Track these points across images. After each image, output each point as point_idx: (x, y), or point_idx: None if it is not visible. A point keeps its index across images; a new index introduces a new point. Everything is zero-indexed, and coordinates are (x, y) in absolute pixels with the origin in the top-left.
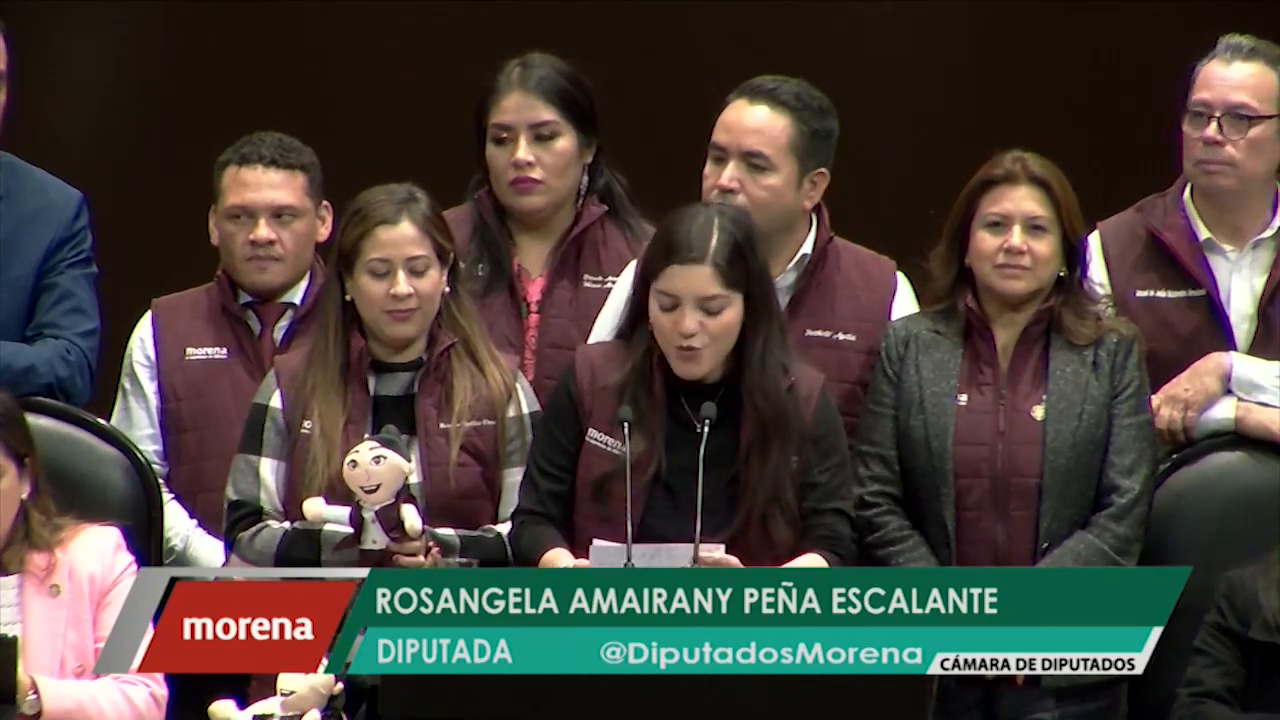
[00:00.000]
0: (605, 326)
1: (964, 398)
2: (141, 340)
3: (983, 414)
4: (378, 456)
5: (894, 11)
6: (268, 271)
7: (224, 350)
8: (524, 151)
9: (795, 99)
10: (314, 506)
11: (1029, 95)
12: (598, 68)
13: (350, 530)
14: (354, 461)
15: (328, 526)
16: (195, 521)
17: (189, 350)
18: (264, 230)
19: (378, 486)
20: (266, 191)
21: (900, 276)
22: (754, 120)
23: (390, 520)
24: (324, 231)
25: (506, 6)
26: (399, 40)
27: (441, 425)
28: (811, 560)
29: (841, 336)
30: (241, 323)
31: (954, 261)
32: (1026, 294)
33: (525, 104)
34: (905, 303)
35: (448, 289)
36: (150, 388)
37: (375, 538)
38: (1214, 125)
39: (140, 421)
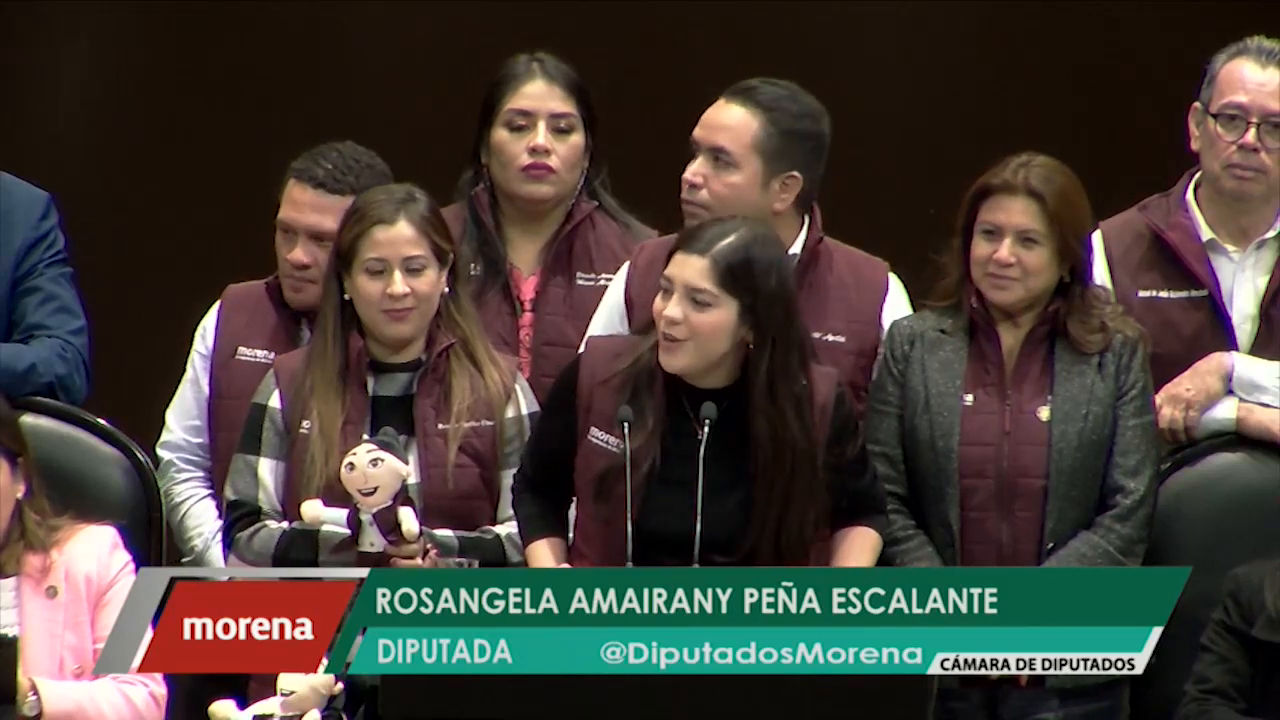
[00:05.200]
0: (599, 326)
1: (969, 398)
2: (205, 330)
3: (988, 414)
4: (375, 459)
5: (894, 11)
6: (302, 292)
7: (271, 355)
8: (543, 138)
9: (772, 100)
10: (311, 508)
11: (1029, 94)
12: (594, 69)
13: (348, 532)
14: (351, 464)
15: (325, 528)
16: (219, 526)
17: (240, 349)
18: (299, 253)
19: (375, 489)
20: (310, 215)
21: (893, 278)
22: (724, 118)
23: (388, 523)
24: None
25: (502, 8)
26: (393, 41)
27: (440, 426)
28: (862, 536)
29: (831, 338)
30: (294, 330)
31: (962, 260)
32: (1017, 304)
33: (548, 93)
34: (896, 304)
35: (447, 290)
36: (204, 379)
37: (373, 540)
38: (1253, 132)
39: (189, 410)
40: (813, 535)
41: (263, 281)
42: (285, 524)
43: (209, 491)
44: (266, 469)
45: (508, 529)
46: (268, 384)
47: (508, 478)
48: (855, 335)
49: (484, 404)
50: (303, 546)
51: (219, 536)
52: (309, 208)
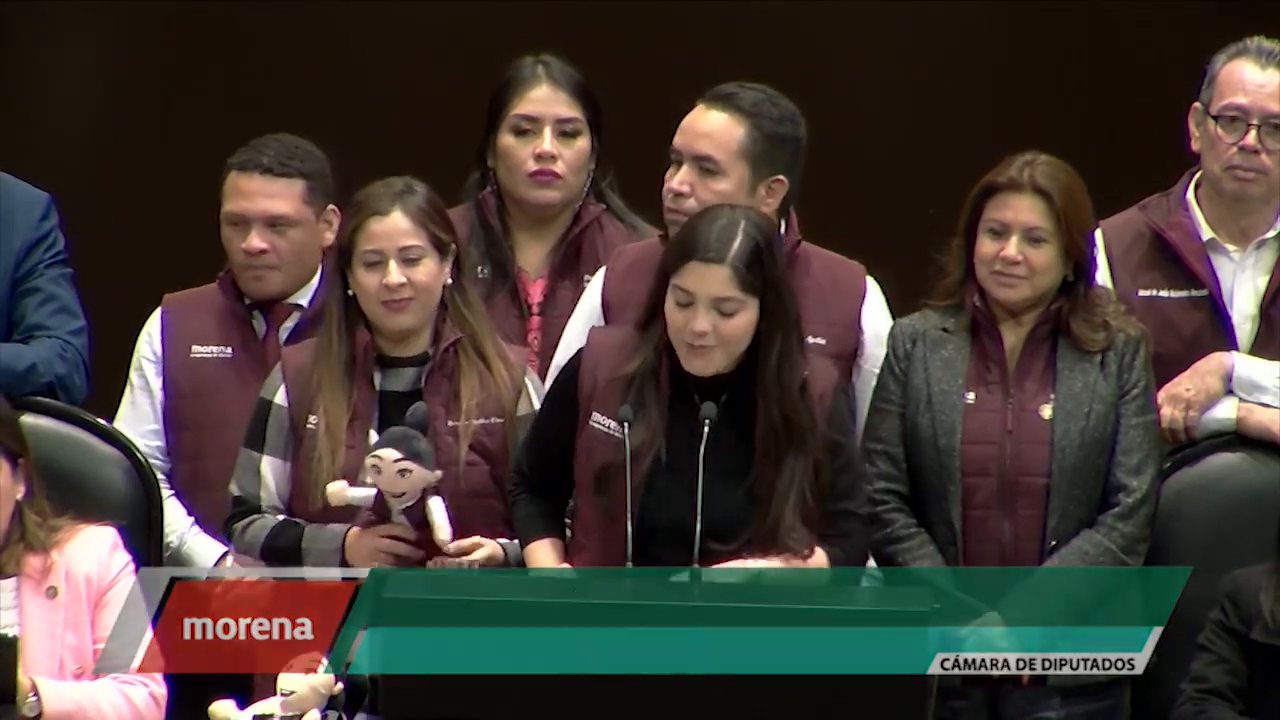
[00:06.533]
0: (575, 331)
1: (971, 396)
2: (150, 335)
3: (990, 413)
4: (403, 470)
5: (894, 11)
6: (262, 280)
7: (229, 349)
8: (549, 144)
9: (752, 105)
10: (337, 490)
11: (1029, 94)
12: (599, 70)
13: (339, 539)
14: (377, 467)
15: (308, 536)
16: (192, 520)
17: (195, 348)
18: (255, 240)
19: (403, 494)
20: (260, 201)
21: (870, 281)
22: (707, 125)
23: (416, 517)
24: (330, 236)
25: (506, 10)
26: (396, 43)
27: (449, 424)
28: (816, 558)
29: (811, 340)
30: (247, 323)
31: (964, 259)
32: (1023, 302)
33: (553, 98)
34: (875, 308)
35: (450, 281)
36: (156, 383)
37: (406, 527)
38: (1253, 134)
39: (145, 416)
40: (809, 523)
41: (207, 286)
42: (281, 517)
43: (172, 492)
44: (269, 466)
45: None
46: (274, 379)
47: None
48: (835, 339)
49: (494, 400)
50: (290, 537)
51: (194, 530)
52: (259, 195)
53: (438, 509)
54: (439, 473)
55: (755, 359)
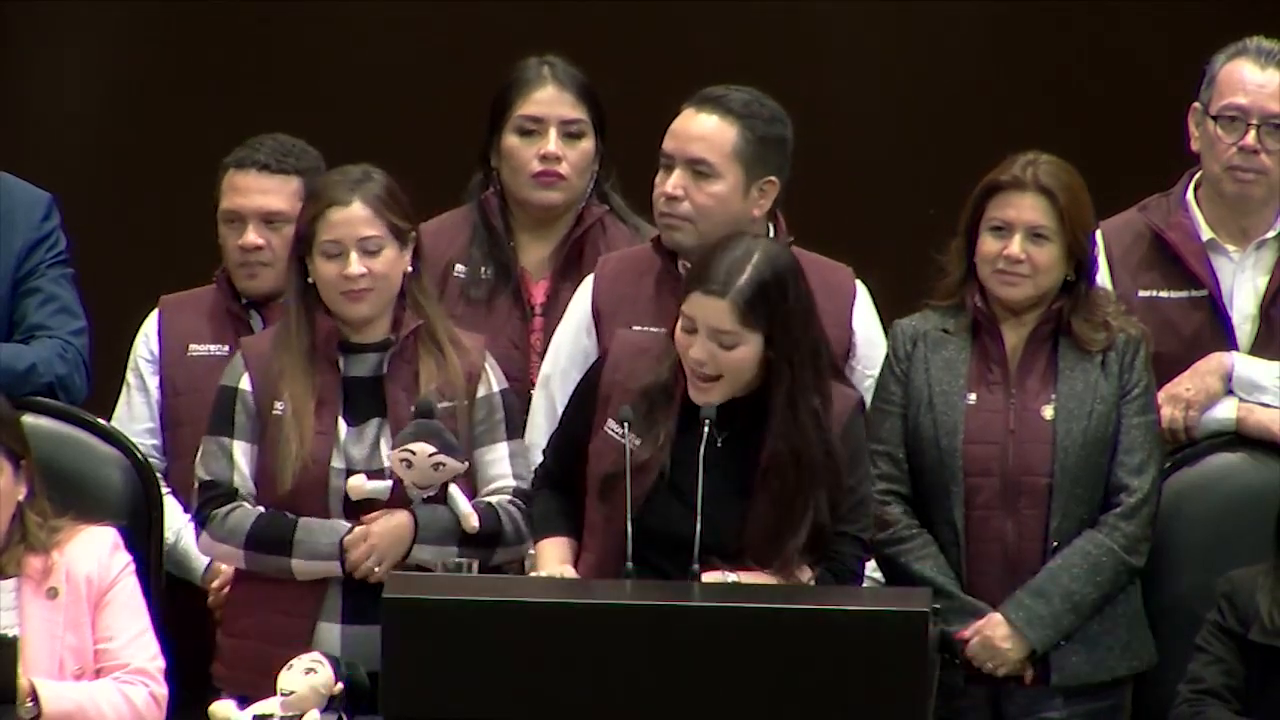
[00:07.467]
0: (566, 340)
1: (973, 396)
2: (146, 336)
3: (992, 413)
4: (438, 464)
5: (895, 11)
6: (258, 277)
7: (226, 347)
8: (554, 145)
9: (743, 107)
10: (356, 482)
11: (1028, 94)
12: (602, 71)
13: (335, 541)
14: (408, 461)
15: (300, 530)
16: (189, 517)
17: (191, 346)
18: (251, 236)
19: (429, 485)
20: (256, 197)
21: (858, 282)
22: (699, 128)
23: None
24: None
25: (509, 10)
26: (398, 43)
27: (412, 409)
28: (801, 574)
29: None
30: (243, 321)
31: (965, 258)
32: (1025, 301)
33: (559, 99)
34: (865, 309)
35: (410, 269)
36: (152, 382)
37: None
38: (1253, 134)
39: (141, 415)
40: (809, 550)
41: (203, 287)
42: (261, 507)
43: (169, 490)
44: (240, 451)
45: (498, 499)
46: (236, 366)
47: (486, 454)
48: (829, 341)
49: (449, 386)
50: (280, 528)
51: (190, 527)
52: (255, 191)
53: (461, 498)
54: (466, 463)
55: (767, 393)
